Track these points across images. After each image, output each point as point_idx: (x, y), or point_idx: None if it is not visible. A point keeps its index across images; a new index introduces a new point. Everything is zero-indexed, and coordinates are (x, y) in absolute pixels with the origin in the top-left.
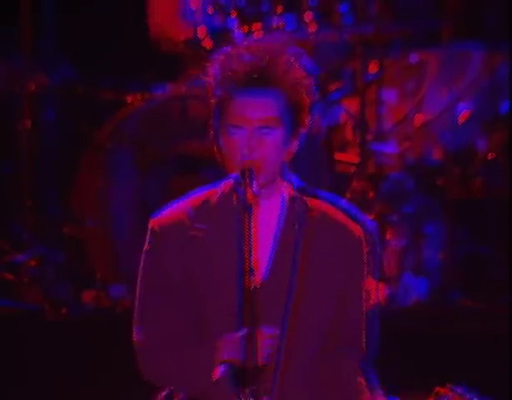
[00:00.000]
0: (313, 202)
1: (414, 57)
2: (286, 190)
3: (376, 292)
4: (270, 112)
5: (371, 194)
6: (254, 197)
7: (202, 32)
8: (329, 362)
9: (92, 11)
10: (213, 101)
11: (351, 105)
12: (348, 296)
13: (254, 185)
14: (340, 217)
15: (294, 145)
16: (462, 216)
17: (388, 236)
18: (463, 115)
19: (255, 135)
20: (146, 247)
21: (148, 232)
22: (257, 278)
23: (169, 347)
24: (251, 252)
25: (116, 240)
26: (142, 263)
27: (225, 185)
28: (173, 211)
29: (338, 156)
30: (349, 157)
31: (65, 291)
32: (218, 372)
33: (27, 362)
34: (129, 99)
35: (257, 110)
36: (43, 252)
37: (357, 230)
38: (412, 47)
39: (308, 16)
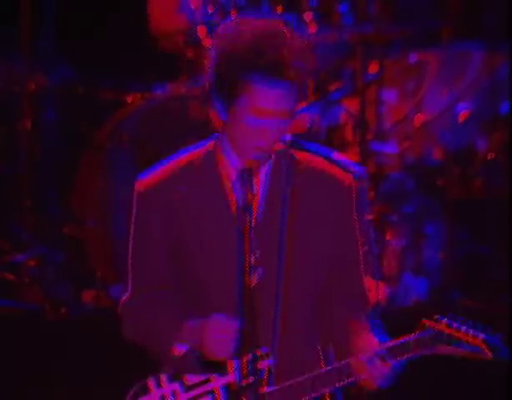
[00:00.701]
0: (300, 155)
1: (413, 57)
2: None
3: (376, 291)
4: (287, 105)
5: (371, 194)
6: (253, 197)
7: (202, 31)
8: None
9: (92, 11)
10: (222, 75)
11: (351, 105)
12: (344, 245)
13: (253, 185)
14: (328, 166)
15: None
16: (462, 216)
17: (388, 236)
18: (463, 115)
19: (274, 127)
20: (133, 211)
21: (135, 195)
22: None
23: (150, 310)
24: (251, 251)
25: (116, 240)
26: (131, 227)
27: (207, 146)
28: (157, 174)
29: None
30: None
31: (65, 291)
32: (178, 350)
33: (27, 361)
34: (129, 99)
35: (278, 103)
36: (43, 252)
37: (346, 178)
38: (412, 47)
39: (308, 16)
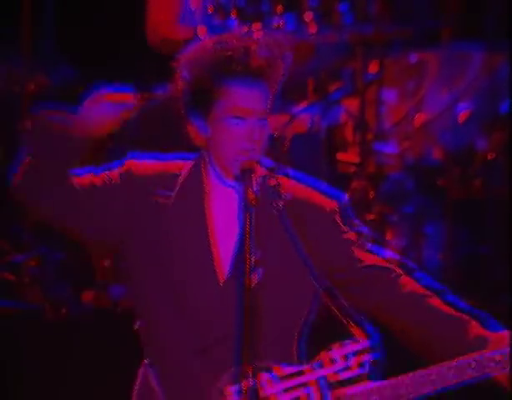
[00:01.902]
0: (284, 181)
1: (413, 57)
2: (258, 171)
3: None
4: (265, 105)
5: (371, 194)
6: (255, 198)
7: (202, 31)
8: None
9: (92, 11)
10: (197, 88)
11: (351, 105)
12: (337, 258)
13: (254, 185)
14: (311, 193)
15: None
16: (462, 216)
17: (388, 236)
18: (463, 115)
19: (257, 127)
20: (112, 167)
21: (121, 167)
22: (227, 256)
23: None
24: (251, 251)
25: None
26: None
27: (194, 160)
28: (148, 166)
29: (338, 156)
30: (349, 156)
31: (65, 291)
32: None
33: (27, 362)
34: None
35: (257, 102)
36: (43, 252)
37: (328, 203)
38: (412, 47)
39: (308, 16)
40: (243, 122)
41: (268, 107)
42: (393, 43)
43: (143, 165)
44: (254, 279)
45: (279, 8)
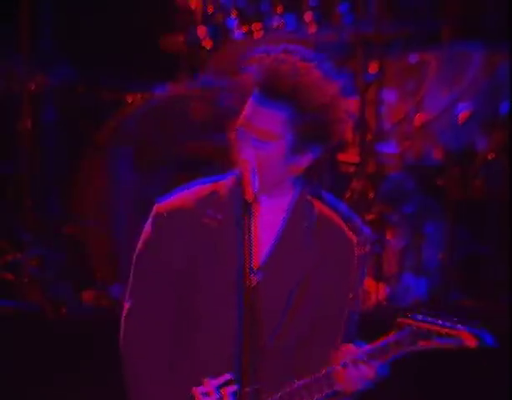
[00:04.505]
0: (317, 204)
1: (413, 58)
2: (293, 192)
3: (376, 293)
4: (268, 124)
5: (371, 194)
6: (254, 196)
7: (202, 31)
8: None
9: (91, 10)
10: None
11: (351, 105)
12: (335, 297)
13: (256, 183)
14: (339, 221)
15: (302, 160)
16: (462, 216)
17: (388, 236)
18: (463, 115)
19: (250, 143)
20: (148, 231)
21: (152, 217)
22: (257, 274)
23: (150, 348)
24: (251, 251)
25: (116, 240)
26: (141, 247)
27: (232, 179)
28: (181, 198)
29: (338, 156)
30: (350, 157)
31: (65, 291)
32: None
33: (27, 361)
34: (129, 99)
35: (255, 116)
36: (43, 252)
37: (352, 236)
38: (412, 47)
39: (308, 16)
40: (241, 131)
41: (274, 130)
42: (393, 43)
43: (173, 201)
44: (254, 281)
45: (279, 8)
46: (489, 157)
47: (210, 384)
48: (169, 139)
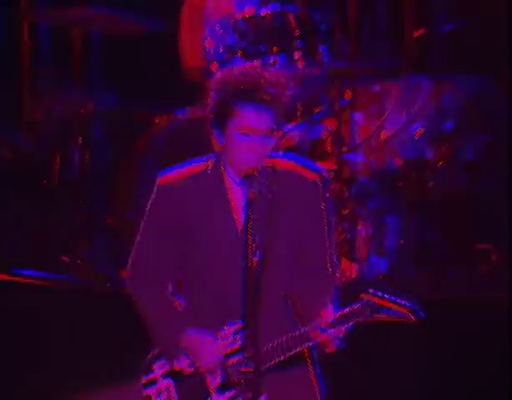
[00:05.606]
0: (274, 162)
1: (377, 87)
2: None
3: (349, 270)
4: (269, 125)
5: (345, 194)
6: (255, 195)
7: (214, 66)
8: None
9: (130, 50)
10: (218, 106)
11: (330, 124)
12: (312, 234)
13: (255, 185)
14: (297, 167)
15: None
16: (416, 210)
17: (358, 226)
18: (417, 132)
19: (258, 142)
20: (152, 198)
21: (156, 186)
22: (237, 230)
23: (150, 286)
24: (252, 239)
25: None
26: (147, 211)
27: (212, 160)
28: (177, 171)
29: (319, 164)
30: (329, 165)
31: (109, 269)
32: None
33: (80, 325)
34: (157, 120)
35: (261, 123)
36: (93, 236)
37: (312, 176)
38: (376, 79)
39: (296, 54)
40: (247, 137)
41: (274, 126)
42: (362, 76)
43: (171, 175)
44: (255, 261)
45: (275, 49)
46: (439, 165)
47: (227, 330)
48: (188, 152)
